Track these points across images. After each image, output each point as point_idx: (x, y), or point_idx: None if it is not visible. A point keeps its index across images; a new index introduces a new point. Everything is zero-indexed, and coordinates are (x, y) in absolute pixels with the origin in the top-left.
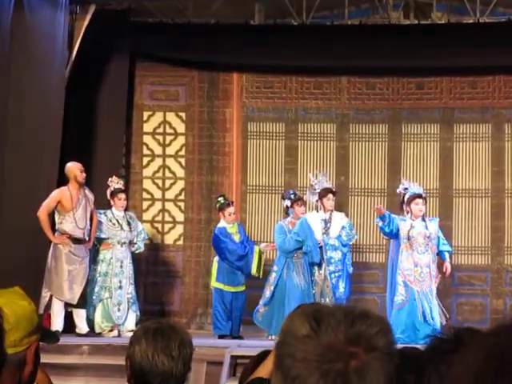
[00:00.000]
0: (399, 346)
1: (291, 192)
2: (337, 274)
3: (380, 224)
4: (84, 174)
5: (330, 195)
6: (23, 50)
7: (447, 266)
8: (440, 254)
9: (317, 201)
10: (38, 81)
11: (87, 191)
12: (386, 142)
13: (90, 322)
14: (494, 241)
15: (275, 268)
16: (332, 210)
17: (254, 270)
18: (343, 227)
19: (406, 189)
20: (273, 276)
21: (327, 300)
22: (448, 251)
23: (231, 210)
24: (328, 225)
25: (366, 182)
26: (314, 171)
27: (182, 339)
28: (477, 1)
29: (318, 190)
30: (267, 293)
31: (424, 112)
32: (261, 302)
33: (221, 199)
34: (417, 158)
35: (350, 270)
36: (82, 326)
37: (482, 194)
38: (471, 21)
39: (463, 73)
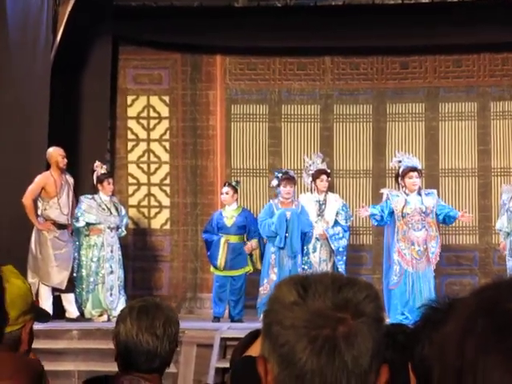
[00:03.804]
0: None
1: (280, 171)
2: (344, 261)
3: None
4: (65, 160)
5: (324, 176)
6: (6, 36)
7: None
8: (446, 219)
9: (311, 182)
10: (23, 66)
11: (68, 176)
12: (370, 123)
13: (80, 308)
14: (482, 220)
15: (272, 249)
16: (326, 192)
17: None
18: (338, 212)
19: (400, 161)
20: (273, 258)
21: None
22: (452, 215)
23: (223, 189)
24: (323, 207)
25: (350, 164)
26: (300, 153)
27: (167, 317)
28: None
29: (312, 172)
30: (273, 276)
31: (409, 91)
32: (268, 288)
33: (235, 184)
34: (402, 138)
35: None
36: (71, 310)
37: (468, 174)
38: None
39: (448, 51)
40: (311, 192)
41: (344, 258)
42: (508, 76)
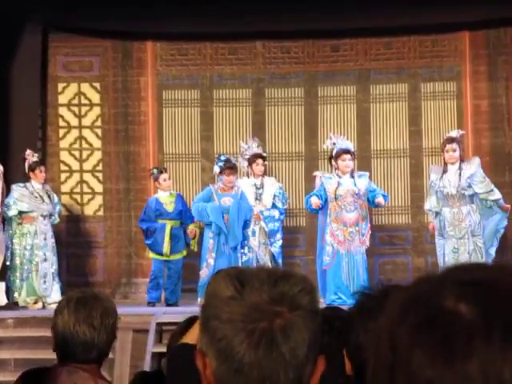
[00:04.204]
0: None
1: (222, 159)
2: (279, 244)
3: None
4: None
5: (260, 160)
6: None
7: (379, 199)
8: (373, 198)
9: (247, 166)
10: None
11: None
12: (302, 106)
13: (13, 296)
14: (414, 200)
15: (210, 234)
16: (262, 176)
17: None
18: (275, 195)
19: (334, 144)
20: (211, 243)
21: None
22: (383, 195)
23: (165, 175)
24: (260, 190)
25: (283, 147)
26: (233, 138)
27: (105, 308)
28: None
29: (248, 156)
30: (210, 261)
31: (340, 74)
32: (207, 272)
33: (154, 170)
34: (334, 121)
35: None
36: (1, 299)
37: (400, 154)
38: None
39: (378, 34)
40: (248, 176)
41: (279, 240)
42: (438, 57)
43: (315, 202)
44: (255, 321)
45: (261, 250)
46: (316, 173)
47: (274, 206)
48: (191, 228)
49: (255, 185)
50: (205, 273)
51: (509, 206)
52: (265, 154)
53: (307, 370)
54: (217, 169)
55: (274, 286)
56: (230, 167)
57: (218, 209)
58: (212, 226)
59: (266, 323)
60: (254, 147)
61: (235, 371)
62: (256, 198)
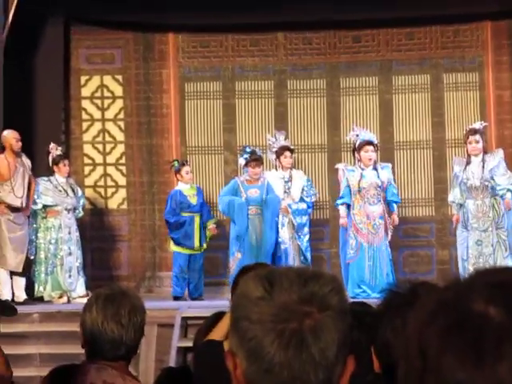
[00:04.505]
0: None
1: (247, 151)
2: (306, 238)
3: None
4: (20, 143)
5: (288, 153)
6: None
7: (394, 218)
8: (388, 204)
9: (275, 159)
10: None
11: (24, 158)
12: (324, 97)
13: (37, 290)
14: (437, 192)
15: (237, 227)
16: (291, 168)
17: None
18: (303, 188)
19: (358, 135)
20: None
21: (299, 263)
22: (396, 201)
23: (187, 168)
24: (288, 184)
25: (305, 139)
26: (255, 130)
27: (133, 306)
28: None
29: (276, 149)
30: (237, 254)
31: (362, 65)
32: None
33: (175, 163)
34: (356, 112)
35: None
36: (19, 294)
37: (423, 146)
38: None
39: (400, 24)
40: (276, 169)
41: (307, 234)
42: (460, 47)
43: (342, 222)
44: (285, 321)
45: (290, 243)
46: (338, 165)
47: (301, 199)
48: (212, 226)
49: (283, 178)
50: (233, 266)
51: None
52: (292, 147)
53: (337, 370)
54: (242, 161)
55: (303, 285)
56: (256, 159)
57: (245, 207)
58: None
59: (295, 324)
60: (281, 140)
61: (265, 371)
62: (284, 191)
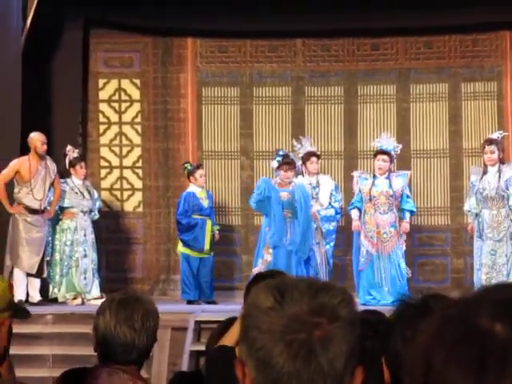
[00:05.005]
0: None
1: (280, 154)
2: (331, 244)
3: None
4: (45, 147)
5: (314, 158)
6: None
7: (404, 225)
8: (401, 212)
9: (301, 165)
10: None
11: (49, 161)
12: (342, 105)
13: (52, 291)
14: (453, 201)
15: (267, 228)
16: (318, 174)
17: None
18: (332, 193)
19: (379, 143)
20: (268, 236)
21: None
22: (410, 211)
23: (201, 171)
24: (316, 189)
25: (322, 145)
26: (272, 135)
27: (146, 311)
28: None
29: (302, 155)
30: (267, 257)
31: (380, 73)
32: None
33: (187, 165)
34: (374, 120)
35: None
36: (34, 295)
37: (440, 155)
38: None
39: (418, 33)
40: (302, 175)
41: (332, 242)
42: (478, 57)
43: (355, 225)
44: (294, 332)
45: (317, 249)
46: (354, 173)
47: (329, 205)
48: (216, 232)
49: (311, 183)
50: (261, 269)
51: None
52: (319, 153)
53: (345, 380)
54: (275, 164)
55: (313, 296)
56: (288, 162)
57: (279, 201)
58: (270, 220)
59: (305, 334)
60: (307, 145)
61: (274, 381)
62: (312, 197)
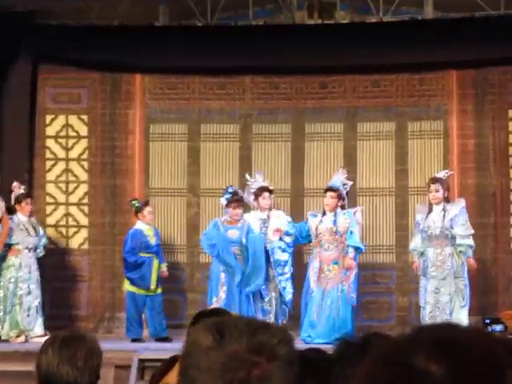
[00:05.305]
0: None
1: (229, 191)
2: (286, 277)
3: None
4: None
5: (266, 194)
6: None
7: (347, 261)
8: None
9: (253, 200)
10: None
11: None
12: (289, 142)
13: None
14: (399, 239)
15: (221, 267)
16: (270, 209)
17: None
18: (285, 231)
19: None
20: (222, 276)
21: (273, 303)
22: (354, 247)
23: (150, 208)
24: (266, 224)
25: (269, 183)
26: (219, 173)
27: (90, 349)
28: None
29: (254, 190)
30: (222, 294)
31: (328, 111)
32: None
33: (135, 202)
34: (320, 158)
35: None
36: None
37: (386, 193)
38: (374, 20)
39: (366, 72)
40: (254, 210)
41: (286, 274)
42: (425, 96)
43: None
44: (233, 370)
45: (272, 283)
46: (308, 212)
47: (280, 239)
48: (164, 269)
49: (261, 219)
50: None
51: (474, 263)
52: (272, 188)
53: None
54: (224, 201)
55: (252, 336)
56: (237, 200)
57: (227, 241)
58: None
59: (243, 373)
60: (260, 180)
61: None
62: (262, 233)
